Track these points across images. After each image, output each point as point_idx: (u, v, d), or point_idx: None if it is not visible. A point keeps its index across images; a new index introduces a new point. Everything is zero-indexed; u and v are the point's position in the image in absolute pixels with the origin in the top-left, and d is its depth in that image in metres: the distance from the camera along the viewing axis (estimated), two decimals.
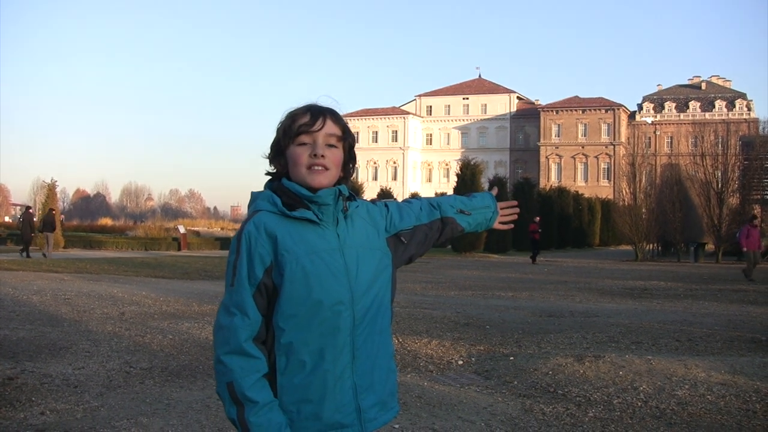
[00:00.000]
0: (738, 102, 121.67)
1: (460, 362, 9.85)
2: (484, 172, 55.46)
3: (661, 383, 8.20)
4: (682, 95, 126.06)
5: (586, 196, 74.66)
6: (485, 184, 52.71)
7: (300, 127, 2.65)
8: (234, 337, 2.53)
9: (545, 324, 13.42)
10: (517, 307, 16.16)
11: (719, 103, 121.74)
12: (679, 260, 44.21)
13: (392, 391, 2.77)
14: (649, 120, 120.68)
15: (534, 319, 14.05)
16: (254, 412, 2.48)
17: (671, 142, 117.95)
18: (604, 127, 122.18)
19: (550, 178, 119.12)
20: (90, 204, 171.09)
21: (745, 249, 27.83)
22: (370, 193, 73.87)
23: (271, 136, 2.76)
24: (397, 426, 6.58)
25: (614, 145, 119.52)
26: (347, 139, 2.76)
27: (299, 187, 2.63)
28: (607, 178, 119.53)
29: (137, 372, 8.94)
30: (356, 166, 2.90)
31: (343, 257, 2.62)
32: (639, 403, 7.56)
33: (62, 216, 44.39)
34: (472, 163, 51.65)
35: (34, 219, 37.42)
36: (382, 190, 62.48)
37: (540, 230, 40.01)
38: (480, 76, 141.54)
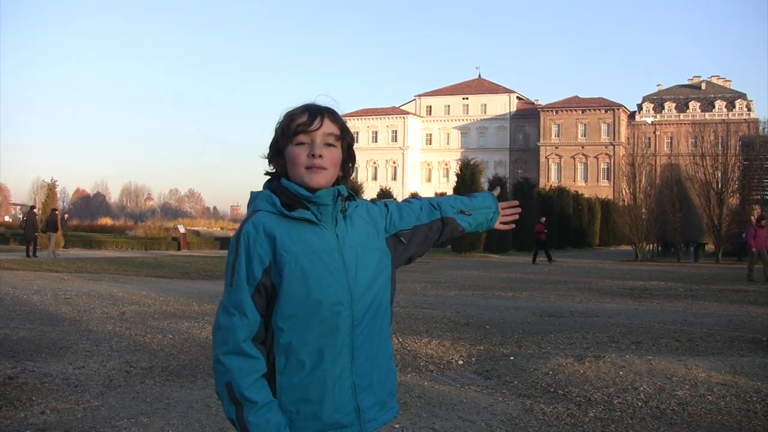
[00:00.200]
0: (738, 102, 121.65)
1: (461, 362, 9.85)
2: (483, 172, 55.51)
3: (662, 383, 8.20)
4: (682, 95, 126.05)
5: (586, 196, 74.70)
6: (485, 184, 52.77)
7: (298, 126, 2.65)
8: (233, 337, 2.52)
9: (545, 324, 13.42)
10: (517, 307, 16.16)
11: (719, 104, 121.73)
12: (679, 260, 44.20)
13: (392, 391, 2.77)
14: (649, 120, 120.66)
15: (534, 319, 14.05)
16: (253, 412, 2.48)
17: (671, 143, 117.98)
18: (603, 127, 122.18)
19: (550, 178, 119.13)
20: (90, 204, 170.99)
21: (753, 249, 27.79)
22: (369, 193, 73.84)
23: (270, 136, 2.76)
24: (397, 426, 6.58)
25: (614, 145, 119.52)
26: (345, 139, 2.75)
27: (298, 187, 2.63)
28: (607, 179, 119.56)
29: (137, 371, 8.94)
30: (356, 165, 2.90)
31: (341, 257, 2.62)
32: (639, 403, 7.56)
33: (66, 215, 44.34)
34: (471, 163, 51.67)
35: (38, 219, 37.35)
36: (381, 190, 62.47)
37: (546, 231, 39.95)
38: (480, 76, 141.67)
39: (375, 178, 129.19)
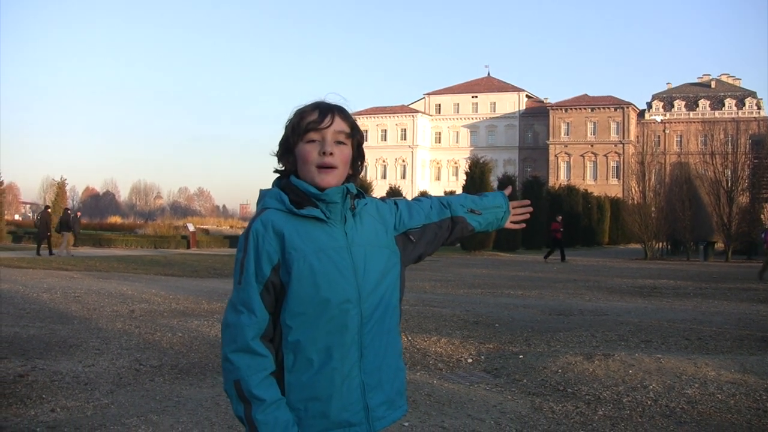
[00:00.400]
0: (748, 100, 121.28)
1: (470, 360, 9.85)
2: (493, 171, 55.41)
3: (671, 382, 8.19)
4: (692, 93, 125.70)
5: (596, 194, 74.41)
6: (494, 183, 52.66)
7: (308, 124, 2.64)
8: (241, 335, 2.53)
9: (555, 322, 13.41)
10: (526, 306, 16.15)
11: (729, 102, 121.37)
12: (689, 259, 44.10)
13: (400, 389, 2.76)
14: (659, 118, 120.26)
15: (543, 318, 14.04)
16: (261, 410, 2.48)
17: (680, 141, 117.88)
18: (613, 126, 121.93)
19: (559, 176, 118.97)
20: (99, 202, 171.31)
21: None
22: (379, 191, 73.83)
23: (279, 134, 2.75)
24: (406, 424, 6.58)
25: (623, 144, 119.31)
26: (356, 136, 2.75)
27: (307, 185, 2.62)
28: (617, 177, 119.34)
29: (147, 369, 8.96)
30: (365, 163, 2.90)
31: (350, 255, 2.62)
32: (649, 402, 7.55)
33: (79, 213, 44.41)
34: (481, 161, 51.62)
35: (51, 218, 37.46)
36: (391, 188, 62.52)
37: (562, 229, 39.81)
38: (489, 74, 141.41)
39: (384, 176, 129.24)
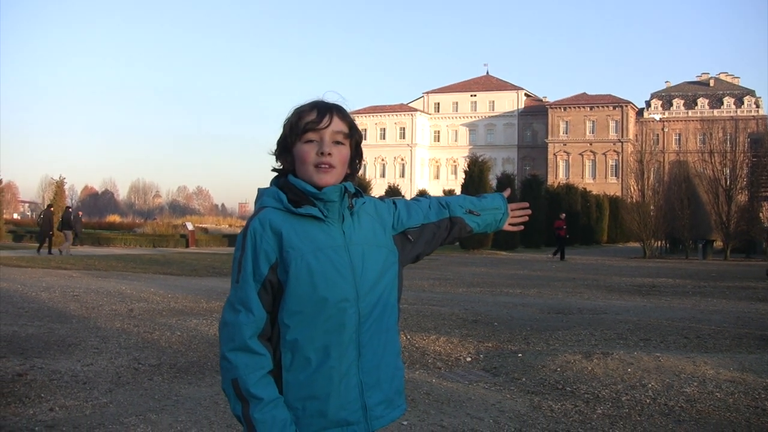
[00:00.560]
0: (746, 99, 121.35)
1: (469, 359, 9.85)
2: (491, 169, 55.43)
3: (670, 380, 8.19)
4: (690, 92, 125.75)
5: (594, 193, 74.40)
6: (493, 181, 52.66)
7: (307, 124, 2.64)
8: (239, 333, 2.53)
9: (553, 321, 13.42)
10: (525, 304, 16.15)
11: (727, 100, 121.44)
12: (687, 257, 44.13)
13: (399, 389, 2.76)
14: (657, 117, 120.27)
15: (542, 316, 14.04)
16: (259, 409, 2.48)
17: (679, 139, 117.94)
18: (612, 124, 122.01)
19: (558, 175, 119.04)
20: (98, 201, 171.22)
21: None
22: (377, 190, 73.76)
23: (278, 133, 2.75)
24: (405, 423, 6.58)
25: (622, 142, 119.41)
26: (354, 136, 2.75)
27: (305, 184, 2.62)
28: (615, 175, 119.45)
29: (146, 368, 8.96)
30: (363, 162, 2.89)
31: (348, 254, 2.62)
32: (647, 400, 7.55)
33: (80, 213, 44.48)
34: (479, 160, 51.68)
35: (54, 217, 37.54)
36: (389, 187, 62.45)
37: (566, 227, 39.77)
38: (488, 73, 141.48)
39: (383, 175, 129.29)
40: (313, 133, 2.64)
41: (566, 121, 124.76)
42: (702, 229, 45.29)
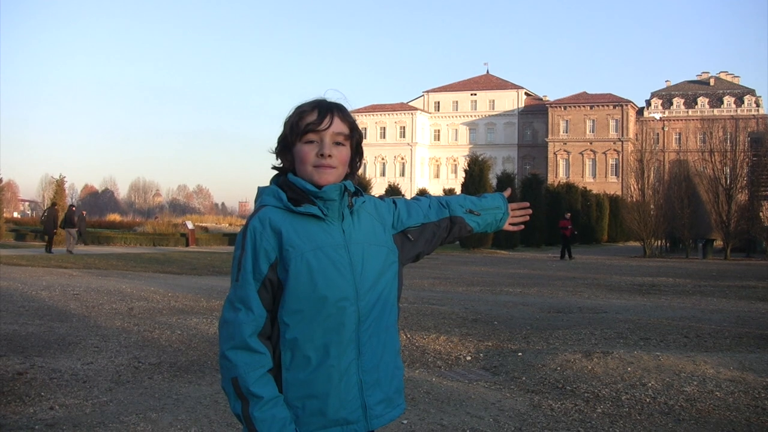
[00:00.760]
0: (747, 98, 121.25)
1: (469, 358, 9.85)
2: (492, 169, 55.41)
3: (670, 379, 8.19)
4: (691, 91, 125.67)
5: (595, 192, 74.49)
6: (493, 180, 52.66)
7: (307, 125, 2.64)
8: (238, 332, 2.53)
9: (553, 320, 13.42)
10: (525, 303, 16.15)
11: (728, 99, 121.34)
12: (688, 256, 44.14)
13: (398, 388, 2.76)
14: (658, 116, 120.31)
15: (542, 315, 14.04)
16: (259, 407, 2.48)
17: (679, 138, 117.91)
18: (612, 123, 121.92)
19: (558, 174, 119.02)
20: (98, 200, 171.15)
21: None
22: (378, 188, 73.81)
23: (278, 132, 2.75)
24: (405, 421, 6.58)
25: (622, 141, 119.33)
26: (354, 137, 2.75)
27: (304, 183, 2.62)
28: (616, 174, 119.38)
29: (146, 367, 8.96)
30: (363, 161, 2.89)
31: (348, 253, 2.62)
32: (647, 400, 7.55)
33: (84, 212, 44.56)
34: (480, 159, 51.74)
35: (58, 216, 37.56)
36: (390, 186, 62.44)
37: (571, 226, 39.73)
38: (488, 71, 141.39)
39: (383, 174, 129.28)
40: (313, 134, 2.64)
41: (566, 120, 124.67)
42: (702, 228, 45.29)
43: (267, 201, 2.66)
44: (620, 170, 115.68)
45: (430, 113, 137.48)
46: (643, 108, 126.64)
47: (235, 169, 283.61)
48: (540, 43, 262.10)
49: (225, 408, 6.92)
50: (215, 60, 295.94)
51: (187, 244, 47.61)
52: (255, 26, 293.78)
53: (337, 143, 2.67)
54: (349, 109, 2.77)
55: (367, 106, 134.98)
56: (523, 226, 3.38)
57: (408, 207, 2.96)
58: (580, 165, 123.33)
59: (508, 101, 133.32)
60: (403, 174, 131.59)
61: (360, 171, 2.86)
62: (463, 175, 51.87)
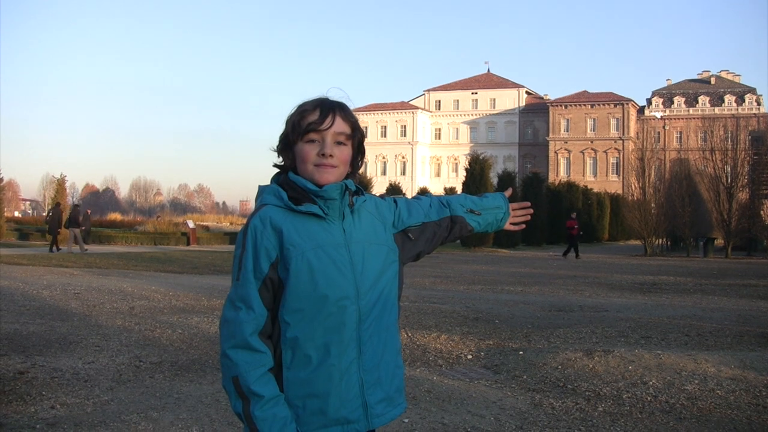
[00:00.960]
0: (747, 97, 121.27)
1: (470, 357, 9.85)
2: (493, 167, 55.36)
3: (671, 378, 8.19)
4: (692, 90, 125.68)
5: (595, 190, 74.39)
6: (494, 179, 52.62)
7: (309, 124, 2.64)
8: (239, 331, 2.53)
9: (554, 319, 13.42)
10: (526, 302, 16.15)
11: (729, 98, 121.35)
12: (689, 255, 44.10)
13: (399, 387, 2.76)
14: (659, 115, 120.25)
15: (543, 314, 14.04)
16: (259, 406, 2.48)
17: (680, 137, 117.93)
18: (613, 122, 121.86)
19: (559, 172, 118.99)
20: (99, 199, 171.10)
21: None
22: (378, 187, 73.81)
23: (280, 130, 2.75)
24: (406, 420, 6.58)
25: (623, 140, 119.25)
26: (356, 136, 2.75)
27: (305, 181, 2.63)
28: (616, 173, 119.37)
29: (147, 366, 8.96)
30: (365, 160, 2.89)
31: (348, 252, 2.62)
32: (648, 398, 7.55)
33: (89, 210, 44.61)
34: (481, 157, 51.67)
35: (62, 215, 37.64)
36: (391, 184, 62.40)
37: (577, 226, 39.70)
38: (489, 70, 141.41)
39: (384, 173, 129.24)
40: (315, 133, 2.64)
41: (567, 119, 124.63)
42: (703, 226, 45.26)
43: (268, 200, 2.66)
44: (621, 169, 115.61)
45: (431, 112, 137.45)
46: (644, 107, 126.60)
47: (236, 168, 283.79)
48: (541, 41, 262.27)
49: (226, 407, 6.92)
50: (215, 59, 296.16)
51: (188, 243, 47.62)
52: (255, 26, 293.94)
53: (339, 143, 2.67)
54: (351, 108, 2.77)
55: (368, 105, 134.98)
56: (524, 226, 3.38)
57: (409, 206, 2.96)
58: (581, 164, 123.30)
59: (509, 100, 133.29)
60: (404, 173, 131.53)
61: (361, 170, 2.86)
62: (464, 174, 51.78)
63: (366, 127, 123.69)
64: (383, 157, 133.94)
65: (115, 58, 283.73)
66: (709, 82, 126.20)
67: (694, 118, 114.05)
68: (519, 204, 3.34)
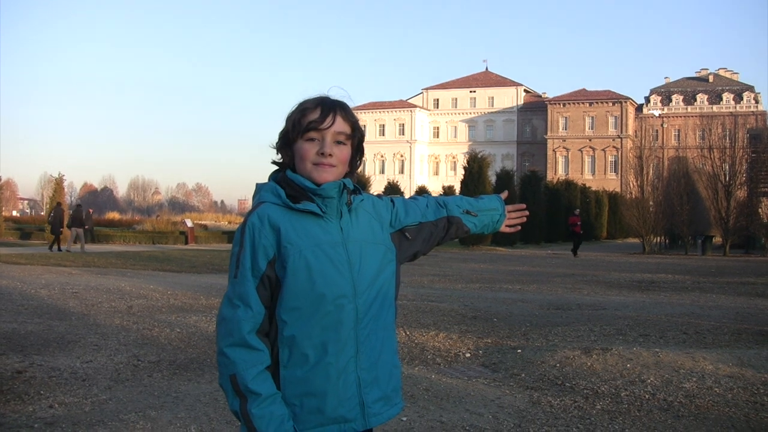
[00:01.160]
0: (746, 95, 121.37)
1: (468, 355, 9.85)
2: (491, 165, 55.32)
3: (669, 376, 8.19)
4: (690, 88, 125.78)
5: (594, 189, 74.46)
6: (492, 177, 52.57)
7: (309, 123, 2.64)
8: (237, 329, 2.53)
9: (553, 317, 13.42)
10: (524, 300, 16.16)
11: (727, 96, 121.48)
12: (687, 253, 44.13)
13: (396, 386, 2.76)
14: (657, 113, 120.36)
15: (541, 312, 14.05)
16: (257, 405, 2.48)
17: (679, 135, 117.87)
18: (611, 120, 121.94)
19: (558, 171, 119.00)
20: (97, 198, 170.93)
21: None
22: (377, 186, 73.81)
23: (278, 128, 2.75)
24: (404, 419, 6.59)
25: (621, 138, 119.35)
26: (356, 136, 2.75)
27: (303, 180, 2.63)
28: (615, 171, 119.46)
29: (145, 365, 8.96)
30: (363, 159, 2.90)
31: (346, 251, 2.62)
32: (647, 396, 7.56)
33: (90, 210, 44.65)
34: (479, 156, 51.62)
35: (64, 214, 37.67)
36: (389, 183, 62.37)
37: (580, 223, 39.68)
38: (487, 69, 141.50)
39: (382, 171, 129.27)
40: (315, 132, 2.64)
41: (565, 117, 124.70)
42: (701, 224, 45.30)
43: (265, 197, 2.66)
44: (619, 167, 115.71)
45: (429, 110, 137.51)
46: (642, 105, 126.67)
47: (234, 167, 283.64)
48: (539, 40, 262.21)
49: (224, 406, 6.92)
50: (213, 57, 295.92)
51: (187, 242, 47.58)
52: (253, 24, 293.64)
53: (338, 142, 2.67)
54: (352, 107, 2.77)
55: (366, 104, 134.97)
56: (520, 228, 3.40)
57: (406, 206, 2.97)
58: (579, 162, 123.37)
59: (507, 98, 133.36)
60: (402, 171, 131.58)
61: (359, 168, 2.86)
62: (463, 173, 51.75)
63: (364, 126, 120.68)
64: (381, 156, 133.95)
65: (114, 57, 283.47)
66: (708, 80, 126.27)
67: (692, 116, 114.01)
68: (515, 206, 3.36)
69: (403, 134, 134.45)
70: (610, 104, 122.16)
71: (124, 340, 10.58)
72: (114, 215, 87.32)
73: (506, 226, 3.32)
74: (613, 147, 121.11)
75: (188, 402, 7.22)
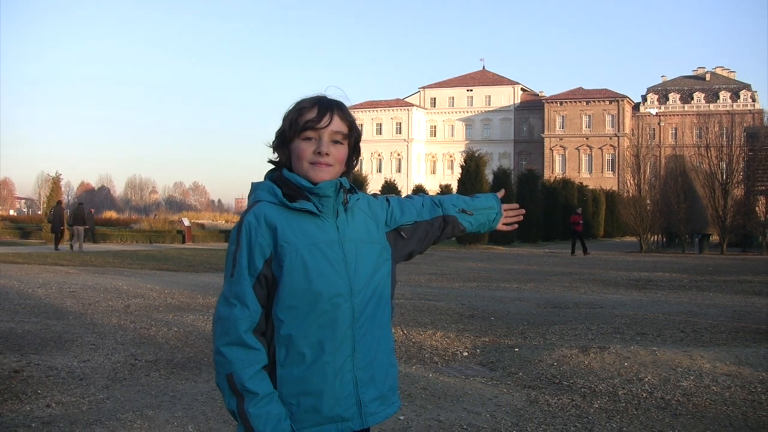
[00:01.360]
0: (742, 93, 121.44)
1: (465, 354, 9.86)
2: (488, 164, 55.29)
3: (666, 374, 8.20)
4: (687, 86, 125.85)
5: (591, 187, 74.47)
6: (489, 176, 52.57)
7: (306, 122, 2.64)
8: (234, 328, 2.52)
9: (550, 315, 13.42)
10: (521, 299, 16.16)
11: (724, 94, 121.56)
12: (684, 251, 44.14)
13: (393, 385, 2.77)
14: (654, 111, 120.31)
15: (539, 311, 14.05)
16: (254, 404, 2.48)
17: (676, 134, 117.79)
18: (608, 119, 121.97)
19: (555, 169, 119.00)
20: (95, 197, 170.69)
21: None
22: (374, 185, 73.73)
23: (275, 127, 2.75)
24: (402, 417, 6.59)
25: (618, 137, 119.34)
26: (353, 136, 2.75)
27: (300, 178, 2.63)
28: (612, 170, 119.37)
29: (142, 364, 8.96)
30: (360, 158, 2.90)
31: (342, 250, 2.62)
32: (644, 394, 7.56)
33: (92, 210, 44.64)
34: (476, 155, 51.58)
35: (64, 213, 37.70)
36: (386, 182, 62.33)
37: (582, 221, 39.65)
38: (484, 68, 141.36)
39: (379, 170, 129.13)
40: (312, 131, 2.64)
41: (562, 116, 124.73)
42: (698, 223, 45.28)
43: (262, 196, 2.66)
44: (616, 165, 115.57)
45: (426, 109, 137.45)
46: (639, 103, 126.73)
47: (231, 166, 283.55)
48: (536, 38, 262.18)
49: (221, 405, 6.91)
50: (213, 57, 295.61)
51: (184, 241, 47.56)
52: (251, 24, 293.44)
53: (335, 142, 2.67)
54: (348, 106, 2.77)
55: (363, 102, 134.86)
56: (516, 226, 3.40)
57: (401, 205, 2.97)
58: (576, 160, 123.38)
59: (504, 97, 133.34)
60: (399, 170, 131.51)
61: (356, 167, 2.86)
62: (460, 171, 51.74)
63: (361, 125, 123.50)
64: (379, 155, 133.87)
65: (111, 57, 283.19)
66: (704, 79, 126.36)
67: (689, 115, 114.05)
68: (510, 205, 3.36)
69: (400, 133, 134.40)
70: (607, 103, 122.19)
71: (122, 339, 10.58)
72: (111, 214, 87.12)
73: (503, 224, 3.32)
74: (610, 145, 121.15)
75: (185, 401, 7.22)
